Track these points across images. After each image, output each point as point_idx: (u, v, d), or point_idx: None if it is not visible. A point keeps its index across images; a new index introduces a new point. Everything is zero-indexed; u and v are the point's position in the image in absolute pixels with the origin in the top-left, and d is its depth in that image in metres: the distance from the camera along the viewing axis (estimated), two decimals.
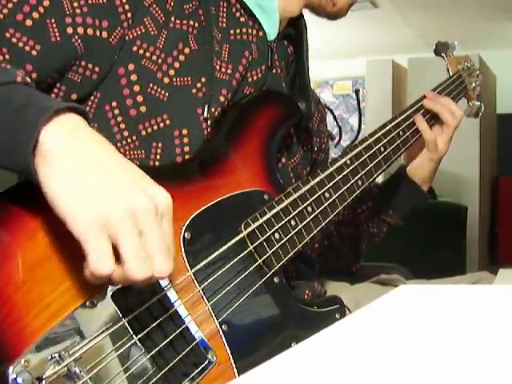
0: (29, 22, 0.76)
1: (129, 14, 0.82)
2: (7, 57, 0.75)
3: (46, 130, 0.60)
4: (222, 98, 0.87)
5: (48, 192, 0.60)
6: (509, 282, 0.87)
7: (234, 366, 0.75)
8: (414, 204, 1.18)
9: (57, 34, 0.77)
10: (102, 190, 0.59)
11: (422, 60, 4.28)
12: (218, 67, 0.88)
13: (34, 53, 0.76)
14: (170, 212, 0.63)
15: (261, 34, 0.95)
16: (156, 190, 0.63)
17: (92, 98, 0.83)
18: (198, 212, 0.78)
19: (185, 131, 0.84)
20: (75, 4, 0.78)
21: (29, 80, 0.67)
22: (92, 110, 0.83)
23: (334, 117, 4.30)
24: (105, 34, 0.80)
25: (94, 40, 0.79)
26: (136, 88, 0.82)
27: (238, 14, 0.93)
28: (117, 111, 0.83)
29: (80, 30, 0.78)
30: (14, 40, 0.75)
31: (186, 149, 0.84)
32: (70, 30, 0.78)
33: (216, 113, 0.86)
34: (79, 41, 0.78)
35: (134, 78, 0.83)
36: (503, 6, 4.52)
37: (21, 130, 0.60)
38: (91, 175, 0.60)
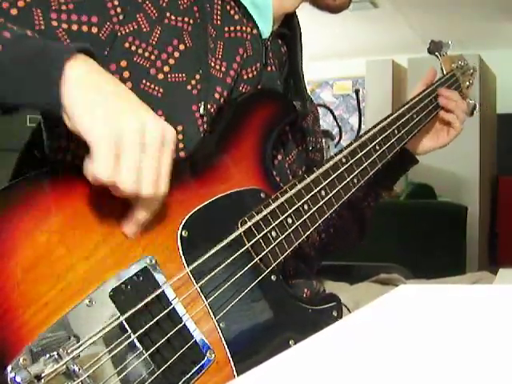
0: (14, 11, 0.77)
1: (118, 9, 0.82)
2: None
3: (70, 66, 0.67)
4: (217, 95, 0.87)
5: (71, 113, 0.66)
6: (509, 281, 0.87)
7: (232, 363, 0.75)
8: (406, 167, 1.19)
9: (41, 23, 0.78)
10: (119, 111, 0.66)
11: (421, 60, 4.27)
12: (212, 64, 0.88)
13: None
14: (173, 145, 0.69)
15: (255, 31, 0.95)
16: (166, 123, 0.69)
17: None
18: (194, 210, 0.78)
19: (180, 128, 0.84)
20: (61, 0, 0.79)
21: (37, 36, 0.72)
22: None
23: (334, 117, 4.30)
24: (94, 30, 0.80)
25: (81, 35, 0.79)
26: (128, 85, 0.82)
27: (232, 12, 0.93)
28: None
29: (64, 25, 0.79)
30: None
31: (181, 145, 0.84)
32: (54, 23, 0.79)
33: (212, 110, 0.86)
34: (63, 33, 0.79)
35: (126, 74, 0.83)
36: (503, 5, 4.52)
37: (47, 66, 0.67)
38: (110, 100, 0.67)
